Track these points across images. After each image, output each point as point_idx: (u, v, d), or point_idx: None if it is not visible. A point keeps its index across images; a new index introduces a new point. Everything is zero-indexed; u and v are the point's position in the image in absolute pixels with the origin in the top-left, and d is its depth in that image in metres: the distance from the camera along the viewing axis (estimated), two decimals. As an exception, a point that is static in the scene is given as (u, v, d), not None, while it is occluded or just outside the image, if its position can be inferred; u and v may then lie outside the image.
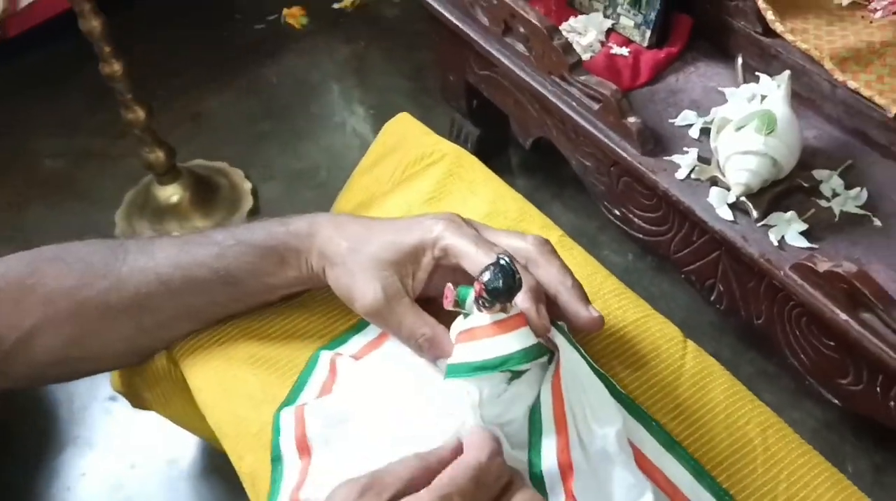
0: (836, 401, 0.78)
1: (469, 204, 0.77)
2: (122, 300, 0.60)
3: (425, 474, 0.46)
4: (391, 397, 0.58)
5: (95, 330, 0.61)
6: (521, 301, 0.52)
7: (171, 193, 1.24)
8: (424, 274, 0.59)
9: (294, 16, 1.63)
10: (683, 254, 0.88)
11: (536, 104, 0.98)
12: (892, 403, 0.72)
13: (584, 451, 0.52)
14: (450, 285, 0.53)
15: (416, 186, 0.80)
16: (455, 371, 0.52)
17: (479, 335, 0.51)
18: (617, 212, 0.95)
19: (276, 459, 0.56)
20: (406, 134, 0.87)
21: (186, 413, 0.75)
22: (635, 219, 0.92)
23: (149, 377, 0.73)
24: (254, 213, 1.30)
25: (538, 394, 0.53)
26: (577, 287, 0.55)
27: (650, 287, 1.16)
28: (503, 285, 0.49)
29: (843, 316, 0.68)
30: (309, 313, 0.67)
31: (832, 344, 0.75)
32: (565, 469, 0.51)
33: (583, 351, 0.56)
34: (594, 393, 0.55)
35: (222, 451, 0.76)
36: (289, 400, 0.60)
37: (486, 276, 0.49)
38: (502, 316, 0.51)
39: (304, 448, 0.56)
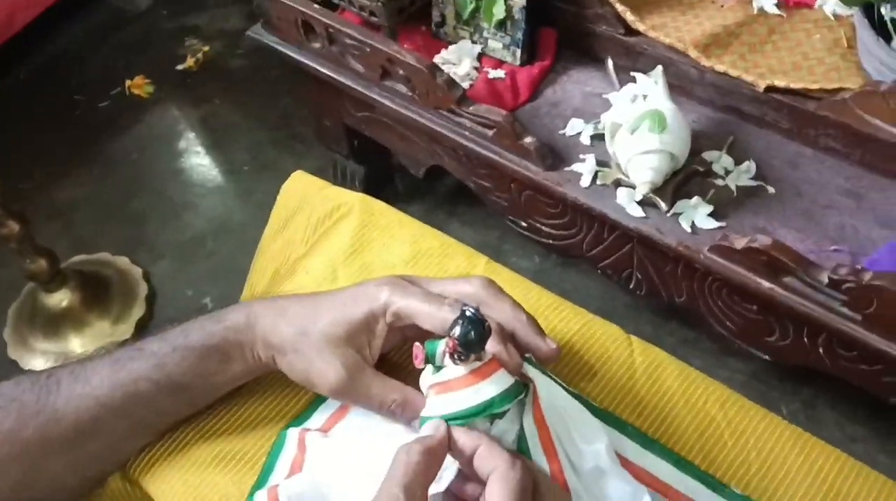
0: (765, 357, 0.84)
1: (391, 249, 0.77)
2: (64, 432, 0.56)
3: (436, 461, 0.48)
4: (366, 464, 0.58)
5: (41, 469, 0.58)
6: (490, 345, 0.54)
7: (61, 299, 1.18)
8: (380, 340, 0.59)
9: (138, 86, 1.58)
10: (597, 252, 0.92)
11: (425, 137, 1.00)
12: (820, 349, 0.78)
13: (577, 473, 0.54)
14: (417, 344, 0.54)
15: (333, 243, 0.79)
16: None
17: (457, 386, 0.52)
18: (523, 224, 0.98)
19: None
20: (305, 192, 0.86)
21: None
22: (543, 228, 0.96)
23: (100, 498, 0.69)
24: (151, 298, 1.26)
25: (521, 427, 0.54)
26: (532, 321, 0.57)
27: (560, 283, 1.20)
28: (475, 336, 0.49)
29: (767, 285, 0.73)
30: (262, 397, 0.65)
31: (755, 308, 0.81)
32: None
33: (553, 376, 0.57)
34: (575, 413, 0.56)
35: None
36: (260, 483, 0.59)
37: (457, 331, 0.50)
38: (478, 364, 0.52)
39: None
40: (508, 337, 0.56)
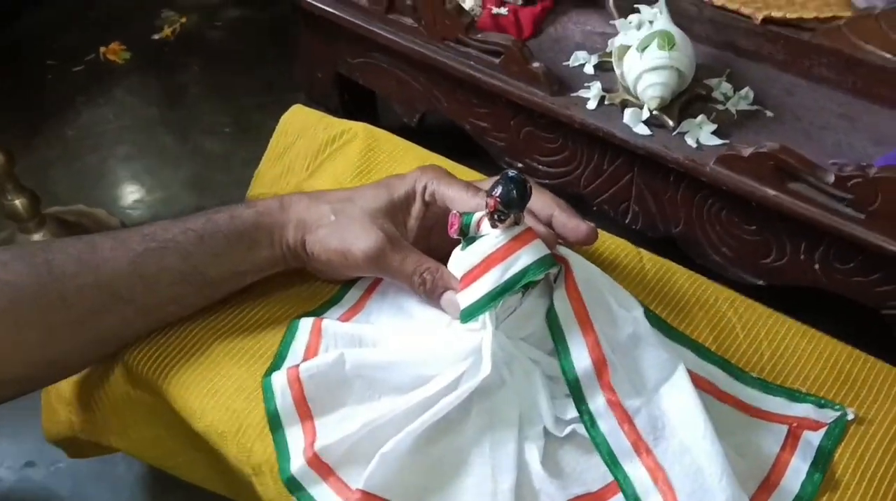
0: (760, 282, 0.87)
1: (398, 172, 0.79)
2: (70, 319, 0.55)
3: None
4: (393, 341, 0.59)
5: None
6: (528, 220, 0.55)
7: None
8: (415, 222, 0.60)
9: (114, 52, 1.56)
10: (595, 186, 0.95)
11: (423, 78, 1.01)
12: (817, 265, 0.81)
13: (613, 344, 0.55)
14: (455, 212, 0.55)
15: (339, 165, 0.80)
16: (472, 312, 0.53)
17: (497, 259, 0.53)
18: (520, 165, 0.99)
19: (277, 427, 0.55)
20: (306, 122, 0.87)
21: (144, 437, 0.71)
22: (540, 167, 0.98)
23: (103, 406, 0.68)
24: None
25: (551, 304, 0.55)
26: (570, 206, 0.59)
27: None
28: (517, 194, 0.51)
29: (773, 192, 0.76)
30: (273, 299, 0.66)
31: (753, 228, 0.84)
32: (600, 366, 0.54)
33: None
34: (612, 286, 0.58)
35: (186, 477, 0.72)
36: (274, 368, 0.59)
37: (499, 189, 0.51)
38: (518, 229, 0.53)
39: (305, 414, 0.55)
40: (546, 221, 0.57)
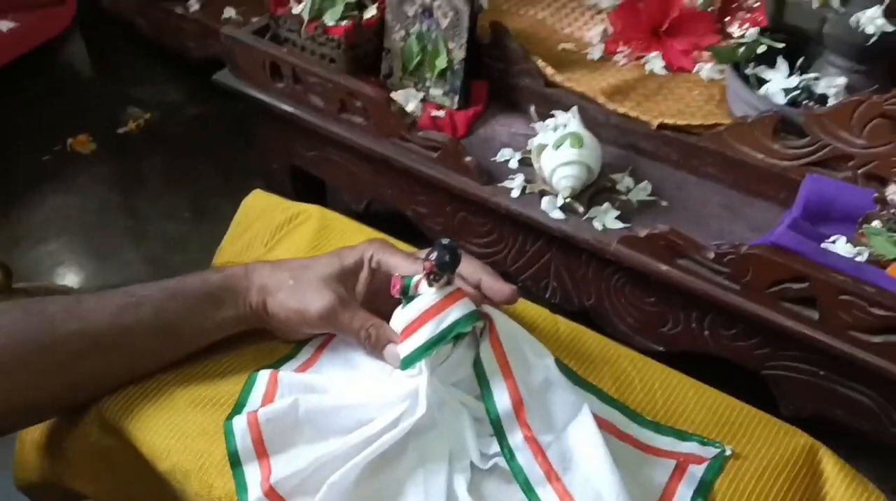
0: (660, 348, 1.00)
1: (349, 248, 0.88)
2: (56, 361, 0.62)
3: None
4: (341, 387, 0.68)
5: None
6: (457, 282, 0.66)
7: (7, 315, 1.20)
8: (363, 287, 0.69)
9: (81, 143, 1.66)
10: (519, 265, 1.09)
11: (370, 170, 1.15)
12: (706, 332, 0.95)
13: (529, 387, 0.65)
14: (397, 274, 0.65)
15: (294, 241, 0.89)
16: (411, 360, 0.63)
17: (427, 317, 0.63)
18: (454, 246, 1.12)
19: (236, 464, 0.62)
20: (265, 205, 0.95)
21: (110, 483, 0.76)
22: (473, 248, 1.11)
23: (74, 453, 0.73)
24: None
25: (477, 354, 0.65)
26: (495, 272, 0.70)
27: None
28: (449, 258, 0.62)
29: (665, 267, 0.90)
30: (232, 356, 0.72)
31: (653, 300, 0.98)
32: (517, 405, 0.63)
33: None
34: (528, 338, 0.68)
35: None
36: (235, 412, 0.67)
37: (434, 255, 0.62)
38: (450, 288, 0.64)
39: (262, 453, 0.63)
40: (476, 284, 0.68)
